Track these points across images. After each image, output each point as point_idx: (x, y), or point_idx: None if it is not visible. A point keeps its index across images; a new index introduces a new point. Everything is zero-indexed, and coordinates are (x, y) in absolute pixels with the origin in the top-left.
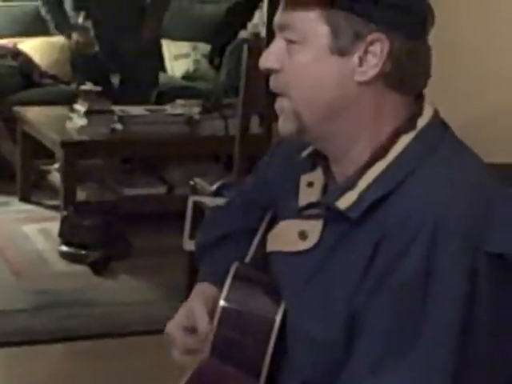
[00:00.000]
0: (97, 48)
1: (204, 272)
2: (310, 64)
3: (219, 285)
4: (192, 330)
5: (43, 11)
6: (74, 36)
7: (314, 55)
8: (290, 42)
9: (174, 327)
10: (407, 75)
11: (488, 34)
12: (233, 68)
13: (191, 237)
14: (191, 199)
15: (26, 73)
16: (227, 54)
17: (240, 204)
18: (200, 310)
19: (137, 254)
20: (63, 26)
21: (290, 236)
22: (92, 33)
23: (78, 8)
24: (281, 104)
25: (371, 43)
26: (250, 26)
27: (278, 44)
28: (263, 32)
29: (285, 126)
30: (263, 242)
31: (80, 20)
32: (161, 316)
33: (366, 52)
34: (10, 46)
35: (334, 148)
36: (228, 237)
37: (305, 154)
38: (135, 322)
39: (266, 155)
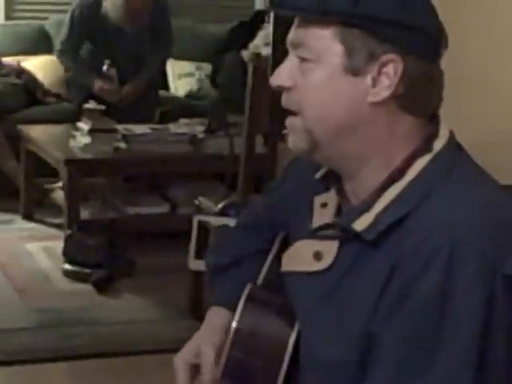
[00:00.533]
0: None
1: (216, 296)
2: (324, 83)
3: (232, 309)
4: (197, 370)
5: (62, 59)
6: (98, 84)
7: (328, 74)
8: (303, 59)
9: (181, 362)
10: (421, 97)
11: (497, 57)
12: (233, 88)
13: (196, 256)
14: (196, 218)
15: (29, 91)
16: (228, 75)
17: (252, 226)
18: (208, 352)
19: (140, 272)
20: (85, 74)
21: (304, 256)
22: (117, 80)
23: (101, 56)
24: (292, 121)
25: (385, 64)
26: (251, 46)
27: (290, 62)
28: (264, 52)
29: (296, 143)
30: (276, 262)
31: (105, 68)
32: (164, 335)
33: (379, 73)
34: (14, 64)
35: (346, 168)
36: (240, 260)
37: (318, 175)
38: (138, 341)
39: (280, 175)
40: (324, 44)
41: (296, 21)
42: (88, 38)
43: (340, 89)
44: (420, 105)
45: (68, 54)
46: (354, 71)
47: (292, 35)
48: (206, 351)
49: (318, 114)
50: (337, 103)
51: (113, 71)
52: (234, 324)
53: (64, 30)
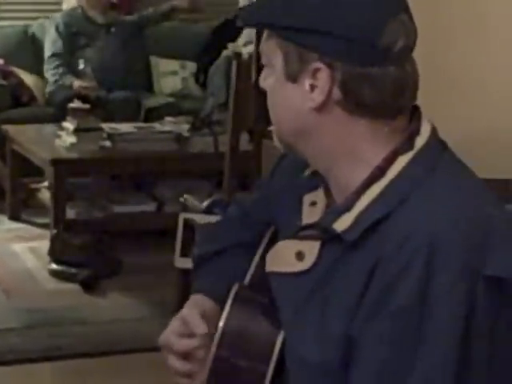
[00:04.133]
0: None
1: (198, 284)
2: (274, 88)
3: (213, 298)
4: (188, 336)
5: (52, 76)
6: (78, 82)
7: (276, 80)
8: (265, 65)
9: (168, 334)
10: (365, 100)
11: (485, 54)
12: (217, 86)
13: (182, 254)
14: (182, 216)
15: (15, 93)
16: (211, 73)
17: (237, 218)
18: (194, 316)
19: (127, 271)
20: (66, 79)
21: (287, 256)
22: (93, 77)
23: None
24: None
25: (315, 71)
26: (230, 46)
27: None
28: (244, 51)
29: (276, 142)
30: (263, 260)
31: (81, 66)
32: (151, 333)
33: (314, 79)
34: (1, 65)
35: (319, 167)
36: (224, 251)
37: (307, 172)
38: (126, 340)
39: (269, 171)
40: (271, 52)
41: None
42: (74, 45)
43: (285, 94)
44: (369, 107)
45: (58, 69)
46: (293, 78)
47: (262, 45)
48: (189, 314)
49: (274, 117)
50: (285, 108)
51: (89, 69)
52: (220, 324)
53: (50, 45)
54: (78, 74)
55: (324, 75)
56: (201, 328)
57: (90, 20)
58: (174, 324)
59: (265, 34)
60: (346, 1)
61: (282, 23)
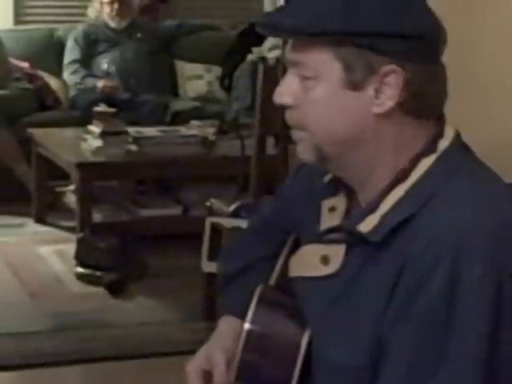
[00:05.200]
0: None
1: (227, 304)
2: (326, 99)
3: (241, 318)
4: (210, 376)
5: (71, 80)
6: (101, 83)
7: (329, 91)
8: (303, 78)
9: (193, 369)
10: (425, 100)
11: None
12: (243, 90)
13: (209, 258)
14: (209, 220)
15: (40, 97)
16: (236, 77)
17: (261, 230)
18: (220, 359)
19: (153, 275)
20: (88, 81)
21: (311, 261)
22: (118, 78)
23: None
24: (299, 135)
25: (385, 75)
26: (255, 50)
27: (291, 80)
28: (270, 55)
29: (304, 155)
30: (286, 265)
31: (105, 67)
32: (177, 337)
33: (381, 84)
34: (27, 69)
35: (355, 176)
36: (250, 266)
37: (326, 179)
38: (152, 344)
39: (287, 179)
40: (322, 62)
41: (291, 39)
42: (93, 52)
43: (342, 104)
44: (425, 107)
45: (77, 73)
46: (355, 86)
47: (289, 54)
48: (217, 359)
49: (323, 130)
50: (341, 118)
51: (113, 68)
52: (246, 325)
53: (69, 54)
54: (102, 75)
55: (395, 78)
56: (221, 379)
57: (109, 27)
58: (201, 357)
59: (301, 44)
60: (406, 0)
61: (346, 29)
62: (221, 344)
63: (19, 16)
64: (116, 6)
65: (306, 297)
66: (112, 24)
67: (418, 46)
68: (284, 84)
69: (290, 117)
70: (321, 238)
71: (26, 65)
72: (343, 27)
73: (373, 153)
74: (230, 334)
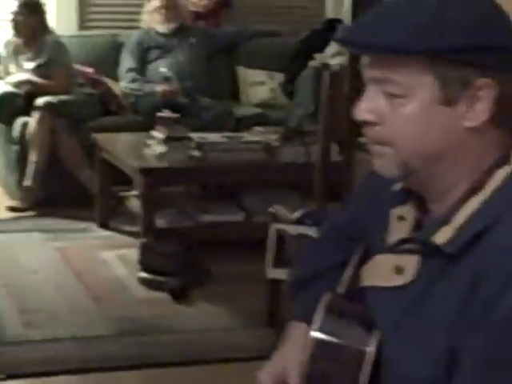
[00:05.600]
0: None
1: (298, 311)
2: (416, 116)
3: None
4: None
5: (128, 89)
6: (161, 87)
7: (420, 107)
8: (391, 95)
9: (266, 378)
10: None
11: None
12: (305, 97)
13: (274, 265)
14: (274, 227)
15: (104, 102)
16: (298, 84)
17: (332, 238)
18: (295, 374)
19: (216, 281)
20: (145, 87)
21: (384, 271)
22: (176, 82)
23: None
24: (382, 150)
25: (479, 89)
26: (317, 56)
27: (374, 97)
28: (332, 62)
29: (386, 169)
30: (356, 275)
31: (163, 71)
32: (240, 344)
33: (474, 98)
34: (91, 74)
35: (435, 188)
36: (321, 274)
37: (397, 187)
38: (215, 350)
39: (356, 187)
40: (414, 79)
41: (375, 55)
42: (147, 59)
43: (434, 119)
44: (510, 117)
45: (135, 81)
46: (449, 101)
47: (374, 71)
48: (293, 374)
49: (412, 146)
50: (431, 133)
51: (170, 73)
52: (314, 334)
53: (124, 63)
54: (159, 80)
55: (488, 92)
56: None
57: (159, 33)
58: (275, 365)
59: (389, 61)
60: (495, 12)
61: (445, 45)
62: (296, 356)
63: (83, 22)
64: (163, 11)
65: (377, 306)
66: (161, 30)
67: (509, 57)
68: (366, 101)
69: (372, 133)
70: (393, 247)
71: (90, 70)
72: (442, 43)
73: (457, 165)
74: (302, 345)
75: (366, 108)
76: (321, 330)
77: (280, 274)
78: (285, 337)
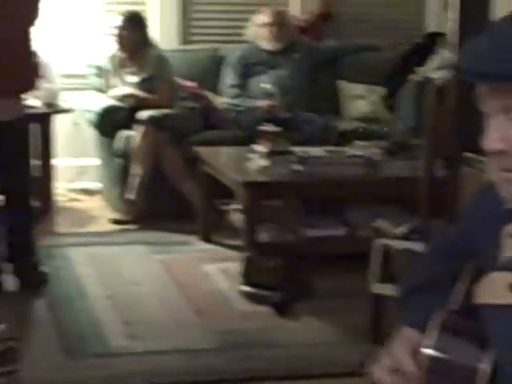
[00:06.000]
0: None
1: (406, 317)
2: None
3: (422, 331)
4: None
5: (233, 103)
6: (262, 103)
7: None
8: None
9: (381, 371)
10: None
11: None
12: (407, 111)
13: (379, 280)
14: (379, 242)
15: (206, 116)
16: (400, 98)
17: (442, 252)
18: (405, 355)
19: (318, 295)
20: (247, 102)
21: (499, 288)
22: (279, 97)
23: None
24: None
25: None
26: (419, 70)
27: (505, 125)
28: (435, 76)
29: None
30: (469, 292)
31: (266, 86)
32: (344, 359)
33: None
34: (193, 88)
35: None
36: (432, 284)
37: (509, 205)
38: (318, 365)
39: (466, 203)
40: None
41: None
42: (250, 75)
43: None
44: None
45: (237, 97)
46: None
47: (502, 100)
48: (400, 351)
49: None
50: None
51: (273, 88)
52: (429, 351)
53: (227, 78)
54: (262, 95)
55: None
56: (411, 367)
57: (265, 50)
58: (385, 360)
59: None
60: None
61: None
62: (403, 346)
63: (185, 36)
64: (274, 28)
65: (493, 324)
66: (268, 47)
67: None
68: (496, 130)
69: (503, 161)
70: (508, 265)
71: (192, 84)
72: None
73: None
74: (413, 348)
75: (497, 138)
76: (436, 348)
77: (385, 289)
78: (394, 340)
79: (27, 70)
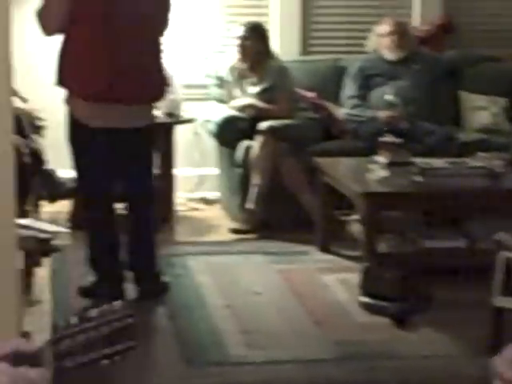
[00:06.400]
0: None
1: None
2: None
3: None
4: None
5: (352, 115)
6: (383, 114)
7: None
8: None
9: (499, 362)
10: None
11: None
12: None
13: (502, 293)
14: (502, 255)
15: (326, 126)
16: None
17: None
18: None
19: (437, 307)
20: (367, 113)
21: None
22: (401, 108)
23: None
24: None
25: None
26: None
27: None
28: None
29: None
30: None
31: (389, 97)
32: (462, 372)
33: None
34: (313, 99)
35: None
36: None
37: None
38: (436, 377)
39: None
40: None
41: None
42: (370, 85)
43: None
44: None
45: (356, 108)
46: None
47: None
48: None
49: None
50: None
51: (395, 99)
52: None
53: (347, 89)
54: (383, 106)
55: None
56: None
57: (385, 60)
58: (507, 352)
59: None
60: None
61: None
62: None
63: (306, 47)
64: (395, 37)
65: None
66: (389, 56)
67: None
68: None
69: None
70: None
71: (312, 95)
72: None
73: None
74: None
75: None
76: None
77: (507, 302)
78: None
79: (158, 79)
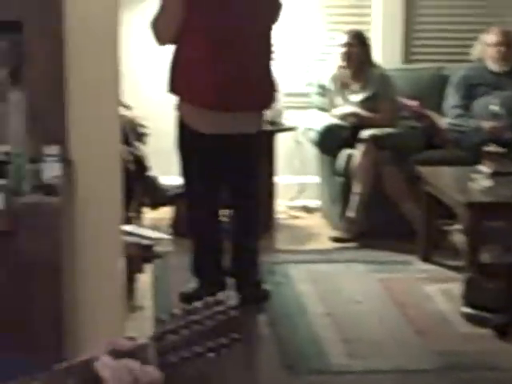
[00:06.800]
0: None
1: None
2: None
3: None
4: None
5: (456, 123)
6: (487, 124)
7: None
8: None
9: None
10: None
11: None
12: None
13: None
14: None
15: (428, 135)
16: None
17: None
18: None
19: None
20: (470, 122)
21: None
22: (505, 118)
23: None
24: None
25: None
26: None
27: None
28: None
29: None
30: None
31: (494, 108)
32: None
33: None
34: (415, 107)
35: None
36: None
37: None
38: None
39: None
40: None
41: None
42: (473, 95)
43: None
44: None
45: (459, 118)
46: None
47: None
48: None
49: None
50: None
51: (500, 109)
52: None
53: (450, 98)
54: (487, 116)
55: None
56: None
57: (490, 70)
58: None
59: None
60: None
61: None
62: None
63: (408, 55)
64: (502, 48)
65: None
66: (493, 68)
67: None
68: None
69: None
70: None
71: (414, 103)
72: None
73: None
74: None
75: None
76: None
77: None
78: None
79: (268, 86)
